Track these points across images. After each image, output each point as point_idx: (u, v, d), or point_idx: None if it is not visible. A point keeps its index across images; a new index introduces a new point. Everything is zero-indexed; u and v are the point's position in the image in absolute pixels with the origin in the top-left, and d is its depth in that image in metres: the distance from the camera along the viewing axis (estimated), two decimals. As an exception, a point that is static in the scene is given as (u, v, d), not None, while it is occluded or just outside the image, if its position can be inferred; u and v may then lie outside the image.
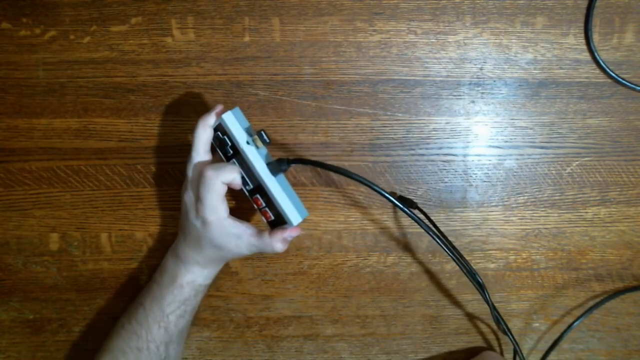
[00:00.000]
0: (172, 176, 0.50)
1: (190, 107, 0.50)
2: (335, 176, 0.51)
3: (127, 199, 0.51)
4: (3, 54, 0.49)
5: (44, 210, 0.51)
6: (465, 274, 0.44)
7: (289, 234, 0.42)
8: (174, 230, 0.51)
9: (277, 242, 0.42)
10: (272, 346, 0.54)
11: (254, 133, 0.41)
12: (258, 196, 0.42)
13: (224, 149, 0.42)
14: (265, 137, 0.40)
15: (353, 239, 0.52)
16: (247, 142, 0.41)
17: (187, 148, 0.49)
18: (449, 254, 0.43)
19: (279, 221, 0.43)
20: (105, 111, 0.49)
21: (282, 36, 0.49)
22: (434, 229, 0.49)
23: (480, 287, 0.46)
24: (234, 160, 0.42)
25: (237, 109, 0.41)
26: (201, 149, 0.42)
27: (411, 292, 0.53)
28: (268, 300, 0.53)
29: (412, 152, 0.51)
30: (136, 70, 0.49)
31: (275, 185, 0.41)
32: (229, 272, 0.52)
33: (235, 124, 0.41)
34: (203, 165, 0.41)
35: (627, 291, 0.53)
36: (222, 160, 0.44)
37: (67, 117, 0.49)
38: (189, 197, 0.43)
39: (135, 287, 0.52)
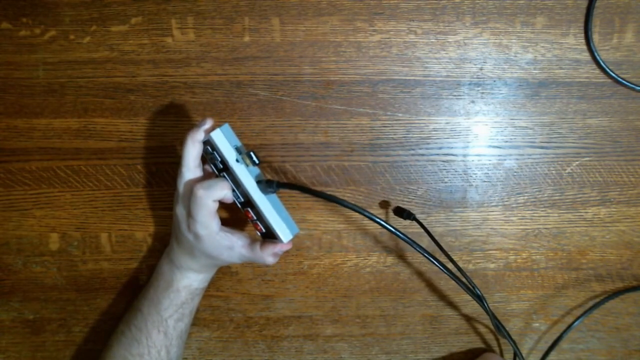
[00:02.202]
0: (172, 176, 0.50)
1: (190, 107, 0.50)
2: (335, 176, 0.51)
3: (127, 199, 0.51)
4: (3, 54, 0.49)
5: (44, 210, 0.51)
6: (464, 289, 0.44)
7: (280, 249, 0.43)
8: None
9: (268, 256, 0.42)
10: (272, 346, 0.54)
11: (244, 151, 0.40)
12: (249, 209, 0.42)
13: (214, 162, 0.42)
14: (254, 157, 0.40)
15: (353, 239, 0.52)
16: (237, 160, 0.40)
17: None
18: (445, 272, 0.43)
19: (269, 234, 0.43)
20: (105, 111, 0.49)
21: (282, 36, 0.49)
22: (430, 239, 0.49)
23: (480, 299, 0.46)
24: (224, 174, 0.42)
25: (226, 126, 0.41)
26: (191, 164, 0.42)
27: (411, 292, 0.53)
28: (268, 300, 0.53)
29: (412, 152, 0.51)
30: (136, 70, 0.49)
31: (265, 203, 0.41)
32: (229, 272, 0.52)
33: (224, 142, 0.40)
34: (194, 182, 0.41)
35: (627, 291, 0.53)
36: (212, 172, 0.44)
37: (67, 117, 0.49)
38: (180, 211, 0.43)
39: (135, 287, 0.52)
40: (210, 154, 0.41)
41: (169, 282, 0.46)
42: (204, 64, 0.49)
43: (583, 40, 0.50)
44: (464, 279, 0.46)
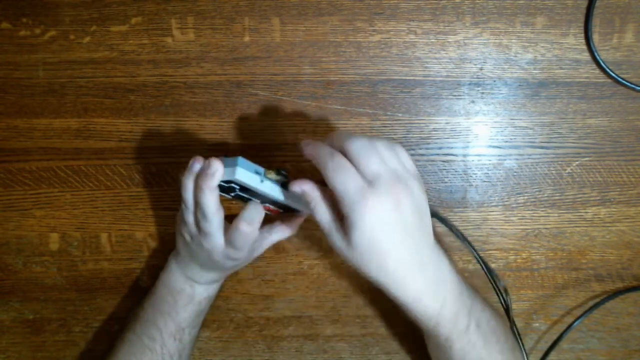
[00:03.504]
0: (172, 176, 0.50)
1: (190, 107, 0.50)
2: (335, 176, 0.51)
3: (127, 199, 0.51)
4: (3, 54, 0.49)
5: (44, 210, 0.51)
6: (492, 283, 0.43)
7: (300, 220, 0.47)
8: (173, 230, 0.51)
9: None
10: (272, 346, 0.54)
11: (266, 170, 0.39)
12: (268, 204, 0.42)
13: (229, 192, 0.40)
14: (283, 173, 0.39)
15: (353, 239, 0.52)
16: (261, 181, 0.39)
17: (187, 148, 0.50)
18: (479, 262, 0.42)
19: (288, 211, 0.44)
20: (105, 111, 0.49)
21: (282, 36, 0.49)
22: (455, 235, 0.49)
23: (504, 293, 0.44)
24: (243, 194, 0.40)
25: (241, 159, 0.38)
26: (214, 208, 0.38)
27: (411, 292, 0.53)
28: (268, 300, 0.53)
29: (412, 152, 0.51)
30: (136, 70, 0.49)
31: (293, 200, 0.41)
32: (229, 272, 0.52)
33: (249, 176, 0.38)
34: (224, 223, 0.41)
35: (627, 291, 0.53)
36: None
37: (67, 117, 0.49)
38: (213, 246, 0.41)
39: (135, 287, 0.52)
40: (225, 187, 0.39)
41: (191, 297, 0.47)
42: (204, 64, 0.49)
43: (583, 40, 0.50)
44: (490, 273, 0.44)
